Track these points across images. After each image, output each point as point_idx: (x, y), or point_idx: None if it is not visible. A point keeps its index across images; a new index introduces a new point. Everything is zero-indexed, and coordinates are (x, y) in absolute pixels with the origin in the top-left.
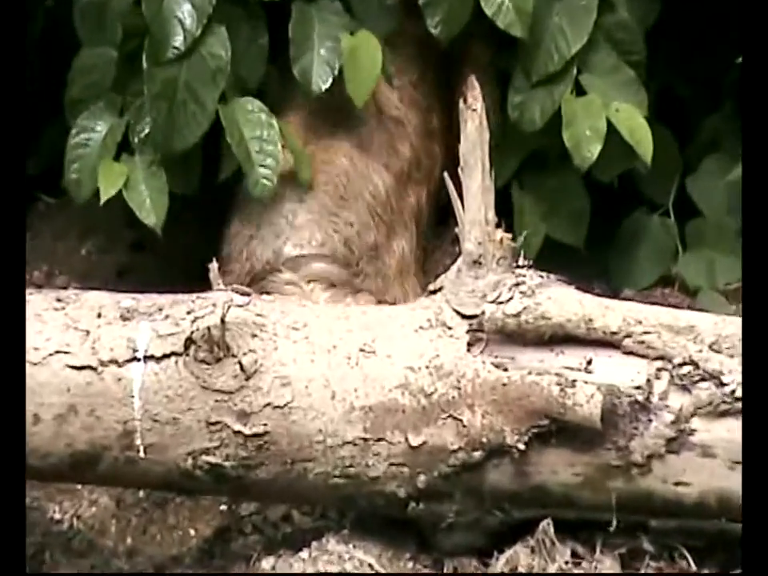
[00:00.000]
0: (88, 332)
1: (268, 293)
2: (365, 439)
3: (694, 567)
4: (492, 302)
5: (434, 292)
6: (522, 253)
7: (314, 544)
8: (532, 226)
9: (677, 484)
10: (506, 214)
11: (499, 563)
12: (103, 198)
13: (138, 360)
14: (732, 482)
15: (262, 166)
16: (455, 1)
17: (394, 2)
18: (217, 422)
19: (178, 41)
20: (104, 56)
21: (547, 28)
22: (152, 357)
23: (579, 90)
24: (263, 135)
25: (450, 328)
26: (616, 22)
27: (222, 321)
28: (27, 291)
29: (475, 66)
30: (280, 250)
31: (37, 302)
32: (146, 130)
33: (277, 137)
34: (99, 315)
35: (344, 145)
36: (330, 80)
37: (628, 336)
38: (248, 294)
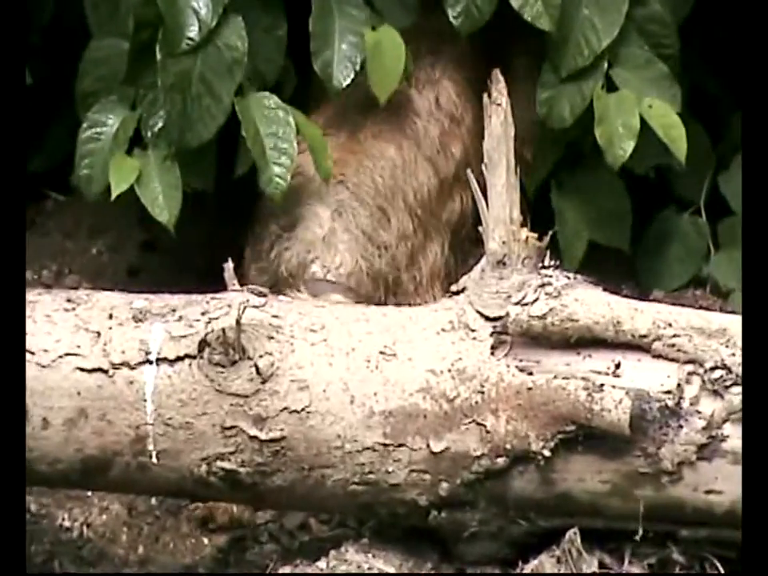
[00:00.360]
0: (99, 333)
1: None
2: (385, 445)
3: None
4: (517, 303)
5: (457, 293)
6: (562, 258)
7: (332, 553)
8: (574, 229)
9: (708, 492)
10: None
11: (524, 573)
12: (114, 194)
13: (151, 363)
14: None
15: (276, 163)
16: None
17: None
18: (232, 427)
19: (193, 31)
20: (116, 47)
21: (576, 21)
22: (165, 359)
23: (610, 86)
24: (279, 132)
25: (473, 330)
26: (648, 15)
27: (238, 322)
28: (36, 291)
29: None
30: (307, 266)
31: (46, 303)
32: (160, 124)
33: (293, 134)
34: (111, 316)
35: (395, 135)
36: (352, 76)
37: (658, 339)
38: (264, 295)
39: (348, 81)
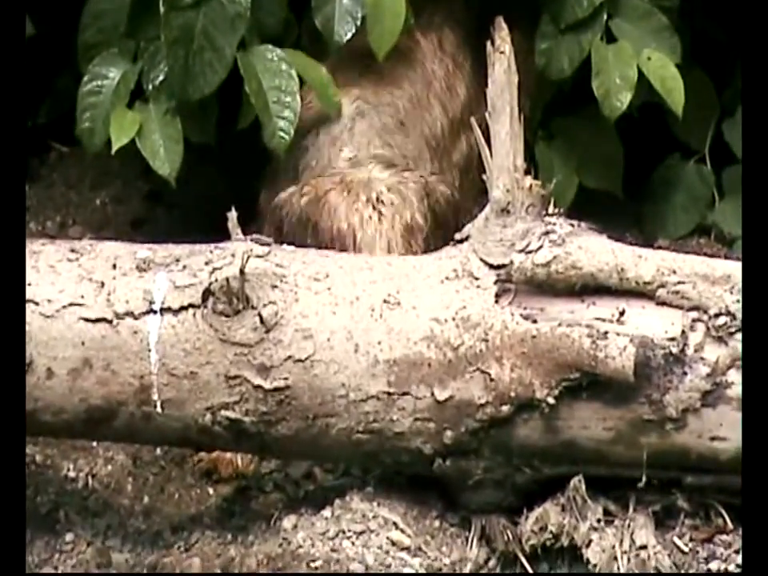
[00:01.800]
0: (103, 284)
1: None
2: (389, 393)
3: (730, 525)
4: (521, 251)
5: (461, 241)
6: (553, 201)
7: (337, 502)
8: (564, 174)
9: (713, 439)
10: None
11: (529, 521)
12: (115, 147)
13: (155, 312)
14: None
15: (279, 117)
16: None
17: None
18: (236, 376)
19: None
20: (117, 0)
21: None
22: (169, 309)
23: (609, 37)
24: (282, 86)
25: (477, 278)
26: None
27: (242, 271)
28: (40, 242)
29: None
30: (336, 155)
31: (50, 253)
32: (161, 77)
33: (296, 87)
34: (114, 266)
35: (406, 73)
36: (353, 31)
37: (662, 286)
38: (268, 245)
39: (349, 36)
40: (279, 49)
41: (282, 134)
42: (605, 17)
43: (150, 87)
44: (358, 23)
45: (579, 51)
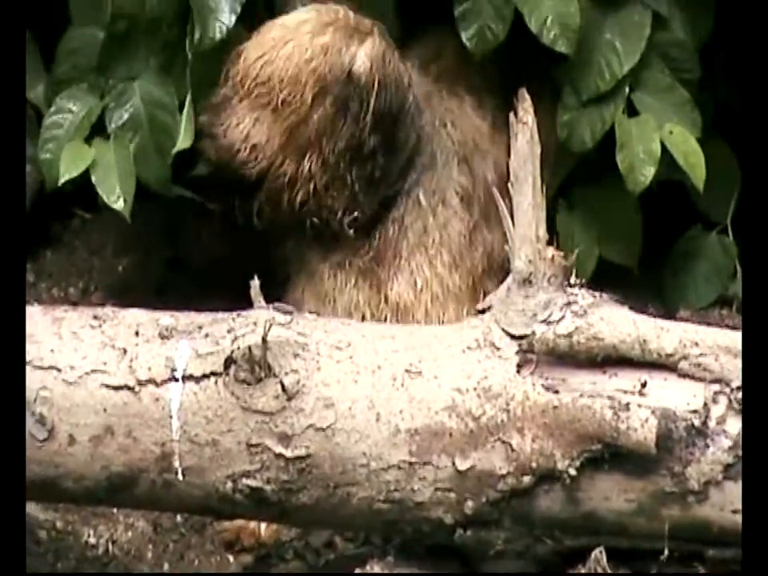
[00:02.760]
0: (125, 351)
1: None
2: (410, 463)
3: None
4: (543, 321)
5: (483, 311)
6: (575, 271)
7: (358, 571)
8: (584, 245)
9: (734, 512)
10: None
11: None
12: (62, 179)
13: (177, 380)
14: None
15: None
16: (492, 14)
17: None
18: (257, 444)
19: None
20: (92, 37)
21: (598, 44)
22: (191, 376)
23: (631, 110)
24: None
25: (498, 348)
26: (670, 40)
27: (264, 340)
28: (63, 308)
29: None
30: None
31: (73, 320)
32: (125, 116)
33: None
34: (137, 333)
35: None
36: None
37: (684, 358)
38: (290, 313)
39: None
40: None
41: None
42: (627, 90)
43: (113, 126)
44: None
45: (601, 124)
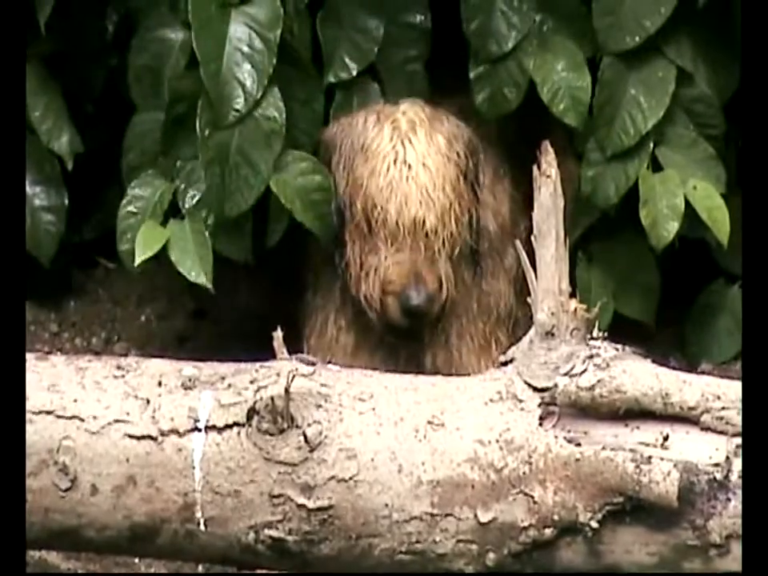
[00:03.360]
0: (148, 401)
1: None
2: (432, 515)
3: None
4: (565, 374)
5: (505, 363)
6: (596, 325)
7: None
8: (601, 298)
9: None
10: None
11: None
12: (138, 260)
13: (200, 430)
14: None
15: (316, 209)
16: (507, 80)
17: (422, 78)
18: (280, 495)
19: (239, 103)
20: (157, 121)
21: (622, 100)
22: (214, 427)
23: (655, 165)
24: (315, 185)
25: (521, 401)
26: (695, 95)
27: (287, 391)
28: (86, 358)
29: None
30: None
31: (96, 370)
32: (198, 195)
33: (329, 184)
34: (160, 384)
35: None
36: None
37: (706, 411)
38: (313, 364)
39: None
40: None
41: (318, 223)
42: (651, 145)
43: (186, 205)
44: None
45: (626, 179)
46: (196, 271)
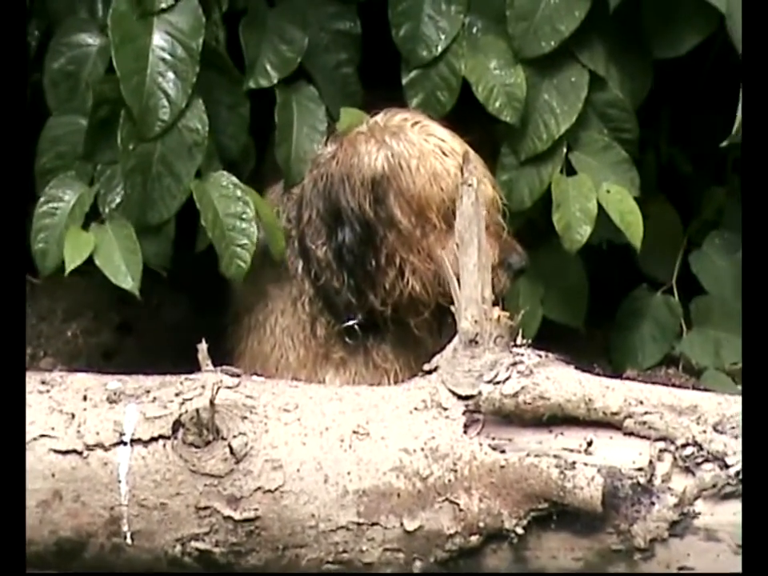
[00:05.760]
0: (73, 415)
1: None
2: (359, 524)
3: None
4: (489, 381)
5: (430, 372)
6: (520, 332)
7: None
8: (529, 306)
9: (681, 569)
10: None
11: None
12: (69, 268)
13: (125, 444)
14: (738, 566)
15: (236, 245)
16: (440, 83)
17: (355, 81)
18: (206, 507)
19: (165, 113)
20: (74, 124)
21: (536, 105)
22: (139, 440)
23: (569, 169)
24: (238, 213)
25: (445, 409)
26: (608, 100)
27: (212, 403)
28: None
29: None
30: None
31: None
32: (117, 200)
33: (252, 214)
34: (85, 398)
35: None
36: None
37: (629, 416)
38: (238, 376)
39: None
40: (236, 175)
41: (239, 261)
42: (564, 150)
43: (107, 210)
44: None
45: (539, 183)
46: (123, 277)
